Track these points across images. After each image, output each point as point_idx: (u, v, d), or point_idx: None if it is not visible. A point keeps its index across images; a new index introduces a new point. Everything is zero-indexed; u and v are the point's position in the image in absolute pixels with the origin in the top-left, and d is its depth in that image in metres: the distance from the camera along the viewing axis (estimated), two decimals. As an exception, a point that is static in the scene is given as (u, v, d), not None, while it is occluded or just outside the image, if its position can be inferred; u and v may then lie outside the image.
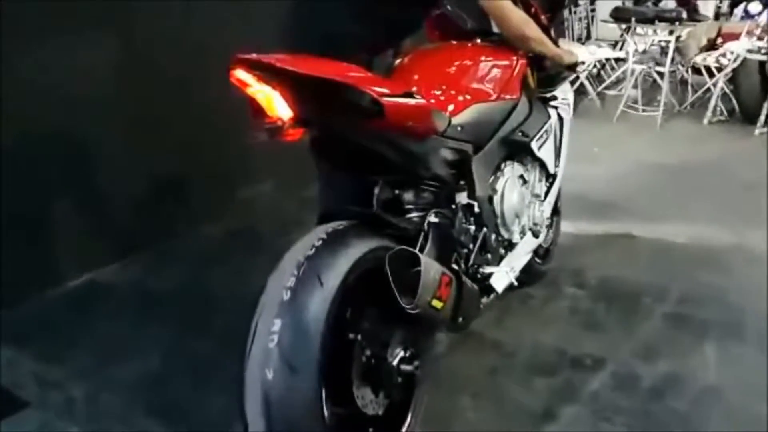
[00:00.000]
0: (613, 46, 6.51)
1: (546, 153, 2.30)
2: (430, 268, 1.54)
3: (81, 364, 2.30)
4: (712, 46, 6.19)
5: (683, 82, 6.29)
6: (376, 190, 1.93)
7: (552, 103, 2.44)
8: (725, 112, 5.69)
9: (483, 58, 2.11)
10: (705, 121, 5.60)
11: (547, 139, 2.28)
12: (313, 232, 1.58)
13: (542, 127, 2.26)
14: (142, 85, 2.85)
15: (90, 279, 2.83)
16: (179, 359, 2.32)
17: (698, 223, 3.53)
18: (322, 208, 2.09)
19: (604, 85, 6.23)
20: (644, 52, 5.70)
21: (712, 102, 5.60)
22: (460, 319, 1.72)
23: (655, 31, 5.77)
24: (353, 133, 1.61)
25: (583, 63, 2.32)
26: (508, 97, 2.10)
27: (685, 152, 4.80)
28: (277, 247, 3.03)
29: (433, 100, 1.87)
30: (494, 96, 2.05)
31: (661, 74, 5.70)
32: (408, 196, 1.89)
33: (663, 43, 5.84)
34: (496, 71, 2.10)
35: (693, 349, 2.41)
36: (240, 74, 1.42)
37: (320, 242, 1.52)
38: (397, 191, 1.91)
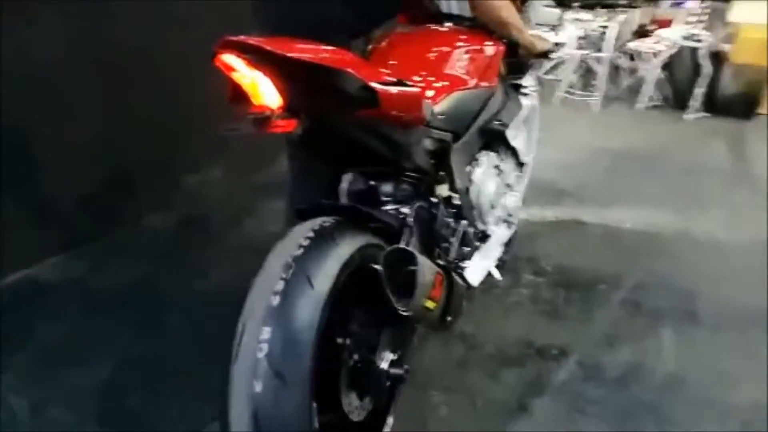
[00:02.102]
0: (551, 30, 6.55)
1: (519, 142, 2.27)
2: (425, 268, 1.48)
3: (23, 372, 2.13)
4: (644, 32, 6.33)
5: (616, 67, 6.42)
6: (350, 183, 1.86)
7: (523, 90, 2.41)
8: (659, 98, 5.85)
9: (462, 43, 2.04)
10: (641, 105, 5.75)
11: (520, 128, 2.25)
12: (296, 229, 1.48)
13: (516, 116, 2.22)
14: (83, 72, 2.63)
15: (28, 275, 2.63)
16: (134, 364, 2.19)
17: (644, 208, 3.61)
18: (298, 202, 2.00)
19: (544, 70, 6.27)
20: (585, 37, 5.77)
21: (647, 87, 5.74)
22: (449, 318, 1.66)
23: (594, 16, 5.84)
24: (342, 122, 1.52)
25: (553, 51, 2.28)
26: (485, 84, 2.05)
27: (624, 137, 4.89)
28: (230, 238, 2.94)
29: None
30: (473, 83, 1.99)
31: (599, 60, 5.79)
32: (386, 188, 1.82)
33: (601, 29, 5.91)
34: (475, 58, 2.04)
35: (652, 336, 2.46)
36: (228, 58, 1.30)
37: (307, 241, 1.42)
38: (372, 183, 1.84)
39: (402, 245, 1.55)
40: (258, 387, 1.25)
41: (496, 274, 2.11)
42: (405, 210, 1.77)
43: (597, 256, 3.06)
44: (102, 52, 2.65)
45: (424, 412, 1.97)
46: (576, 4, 5.10)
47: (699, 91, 5.46)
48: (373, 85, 1.37)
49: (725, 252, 3.19)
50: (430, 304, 1.51)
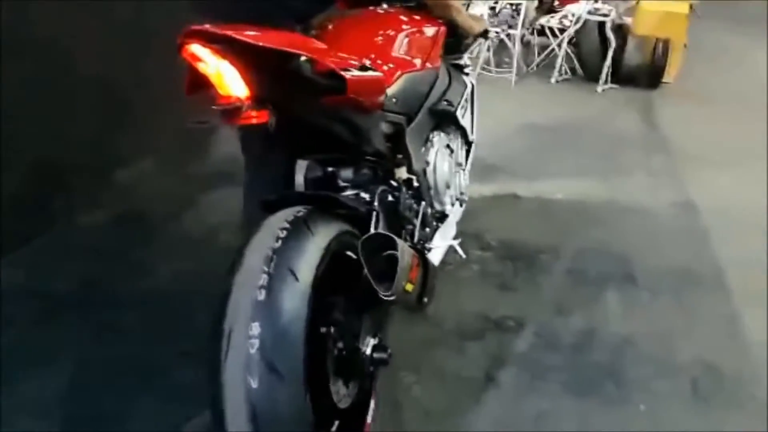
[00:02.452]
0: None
1: (466, 121, 2.29)
2: (404, 251, 1.48)
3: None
4: (551, 8, 6.51)
5: (526, 43, 6.58)
6: (307, 171, 1.84)
7: (465, 70, 2.44)
8: (569, 72, 6.06)
9: (405, 26, 2.04)
10: (552, 80, 5.93)
11: (466, 107, 2.28)
12: (270, 222, 1.43)
13: (462, 95, 2.25)
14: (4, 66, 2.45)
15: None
16: (96, 367, 2.08)
17: (571, 179, 3.74)
18: (254, 193, 1.96)
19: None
20: (496, 14, 5.88)
21: (558, 62, 5.93)
22: (425, 299, 1.67)
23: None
24: (305, 109, 1.49)
25: (489, 31, 2.32)
26: (431, 66, 2.06)
27: (543, 111, 5.04)
28: (171, 233, 2.84)
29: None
30: (420, 65, 2.00)
31: (511, 36, 5.92)
32: (345, 174, 1.81)
33: (511, 5, 6.04)
34: (419, 39, 2.04)
35: (597, 302, 2.57)
36: (195, 48, 1.25)
37: (284, 233, 1.38)
38: (330, 169, 1.82)
39: (378, 230, 1.54)
40: (254, 383, 1.23)
41: (461, 252, 2.13)
42: (366, 195, 1.77)
43: (536, 227, 3.16)
44: (23, 46, 2.48)
45: (397, 394, 1.98)
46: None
47: (607, 63, 5.68)
48: (342, 72, 1.35)
49: (650, 216, 3.36)
50: (408, 287, 1.52)
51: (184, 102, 3.22)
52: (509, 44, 5.92)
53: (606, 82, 5.73)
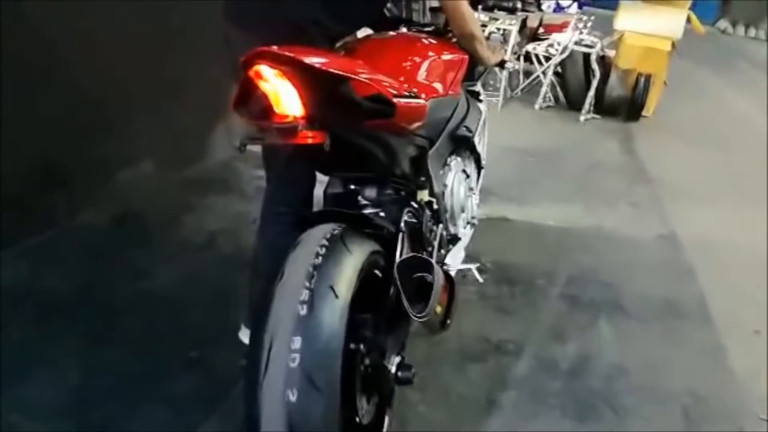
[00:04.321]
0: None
1: (481, 147, 2.35)
2: (438, 275, 1.52)
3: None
4: (534, 36, 6.65)
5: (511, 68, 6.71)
6: (329, 187, 1.87)
7: (480, 97, 2.50)
8: (552, 99, 6.20)
9: (431, 53, 2.08)
10: (536, 106, 6.06)
11: (482, 133, 2.34)
12: (309, 237, 1.47)
13: (479, 122, 2.30)
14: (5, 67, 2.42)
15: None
16: (92, 373, 2.05)
17: (559, 205, 3.85)
18: (275, 207, 1.98)
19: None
20: (487, 38, 5.98)
21: (543, 89, 6.07)
22: (448, 322, 1.71)
23: (495, 18, 6.07)
24: (349, 130, 1.53)
25: (507, 61, 2.38)
26: (452, 92, 2.11)
27: (528, 136, 5.16)
28: (170, 237, 2.83)
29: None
30: (443, 91, 2.04)
31: (498, 61, 6.02)
32: (369, 192, 1.84)
33: (502, 31, 6.16)
34: (444, 66, 2.09)
35: (591, 328, 2.64)
36: (262, 68, 1.28)
37: (324, 249, 1.42)
38: (353, 187, 1.86)
39: (409, 252, 1.58)
40: (293, 396, 1.25)
41: (478, 277, 2.18)
42: (383, 214, 1.80)
43: (528, 252, 3.23)
44: (24, 46, 2.45)
45: (403, 411, 2.01)
46: (479, 6, 5.25)
47: (591, 93, 5.83)
48: (396, 100, 1.40)
49: (635, 248, 3.47)
50: (438, 309, 1.55)
51: (183, 104, 3.23)
52: (496, 69, 6.02)
53: (588, 111, 5.88)
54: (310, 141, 1.37)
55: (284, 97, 1.35)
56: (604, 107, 6.00)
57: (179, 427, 1.89)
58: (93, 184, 2.86)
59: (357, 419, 1.53)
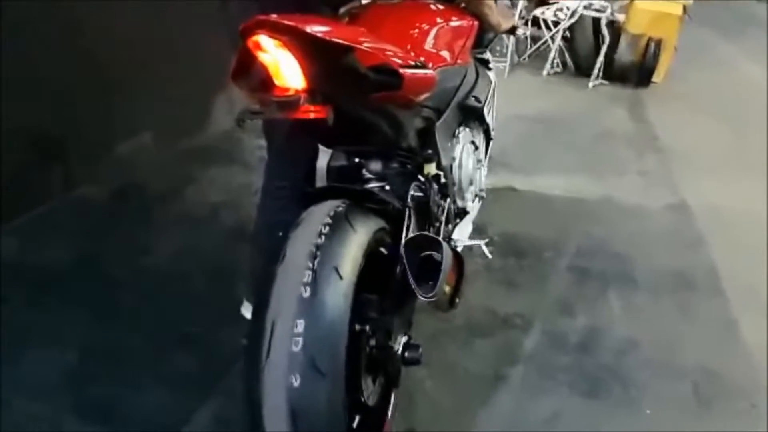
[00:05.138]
0: None
1: (490, 117, 2.28)
2: (447, 253, 1.46)
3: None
4: (542, 0, 6.51)
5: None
6: (332, 160, 1.81)
7: (489, 65, 2.42)
8: (561, 65, 6.08)
9: (439, 19, 2.00)
10: (544, 72, 5.95)
11: (491, 103, 2.26)
12: (312, 215, 1.41)
13: (488, 91, 2.23)
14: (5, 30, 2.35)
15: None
16: (95, 350, 2.02)
17: (567, 175, 3.77)
18: (276, 182, 1.92)
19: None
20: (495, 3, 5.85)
21: (551, 55, 5.94)
22: (457, 300, 1.66)
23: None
24: (354, 102, 1.46)
25: (518, 27, 2.30)
26: (461, 61, 2.03)
27: (535, 104, 5.05)
28: (171, 210, 2.78)
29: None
30: (451, 60, 1.97)
31: (506, 25, 5.89)
32: (374, 166, 1.78)
33: (508, -5, 6.02)
34: (452, 34, 2.00)
35: (601, 301, 2.59)
36: (262, 38, 1.21)
37: (327, 228, 1.36)
38: (357, 160, 1.80)
39: (416, 228, 1.53)
40: (296, 382, 1.20)
41: (487, 252, 2.12)
42: (388, 188, 1.75)
43: (535, 222, 3.18)
44: (23, 19, 2.38)
45: (409, 387, 1.97)
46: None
47: (600, 59, 5.71)
48: (402, 71, 1.33)
49: (645, 218, 3.40)
50: (446, 288, 1.51)
51: (183, 74, 3.15)
52: (504, 34, 5.89)
53: (597, 77, 5.76)
54: (312, 115, 1.30)
55: (285, 68, 1.28)
56: (613, 73, 5.87)
57: (179, 405, 1.86)
58: (91, 157, 2.81)
59: (362, 400, 1.49)
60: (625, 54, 5.87)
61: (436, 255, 1.45)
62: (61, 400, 1.84)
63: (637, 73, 5.81)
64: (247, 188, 2.94)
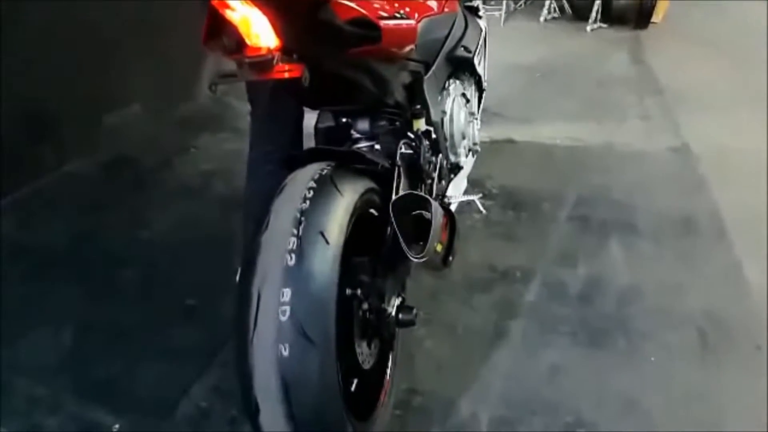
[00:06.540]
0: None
1: (481, 68, 2.21)
2: (437, 212, 1.42)
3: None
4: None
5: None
6: (319, 121, 1.76)
7: (480, 13, 2.34)
8: (557, 10, 5.93)
9: (424, -34, 1.92)
10: (541, 19, 5.81)
11: (482, 53, 2.19)
12: (295, 180, 1.36)
13: (478, 41, 2.16)
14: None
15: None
16: (94, 326, 2.00)
17: (567, 123, 3.71)
18: (262, 146, 1.88)
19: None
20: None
21: (547, 0, 5.80)
22: (450, 259, 1.63)
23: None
24: (333, 60, 1.40)
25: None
26: (448, 9, 1.96)
27: (533, 51, 4.96)
28: (164, 181, 2.74)
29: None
30: (438, 9, 1.89)
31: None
32: (362, 125, 1.73)
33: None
34: (439, -18, 1.93)
35: (601, 250, 2.55)
36: (225, -6, 1.15)
37: (311, 192, 1.32)
38: (345, 120, 1.75)
39: (407, 187, 1.48)
40: (285, 351, 1.18)
41: (481, 208, 2.08)
42: (378, 147, 1.70)
43: (534, 174, 3.13)
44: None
45: (409, 347, 1.96)
46: None
47: (598, 2, 5.57)
48: (381, 23, 1.27)
49: (647, 162, 3.34)
50: (438, 247, 1.47)
51: (170, 42, 3.08)
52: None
53: (595, 21, 5.63)
54: (287, 75, 1.25)
55: (255, 26, 1.21)
56: (611, 16, 5.75)
57: (177, 377, 1.85)
58: (81, 130, 2.75)
59: (358, 364, 1.47)
60: (623, -5, 5.72)
61: (425, 214, 1.41)
62: (58, 376, 1.83)
63: (635, 15, 5.67)
64: (239, 154, 2.87)
